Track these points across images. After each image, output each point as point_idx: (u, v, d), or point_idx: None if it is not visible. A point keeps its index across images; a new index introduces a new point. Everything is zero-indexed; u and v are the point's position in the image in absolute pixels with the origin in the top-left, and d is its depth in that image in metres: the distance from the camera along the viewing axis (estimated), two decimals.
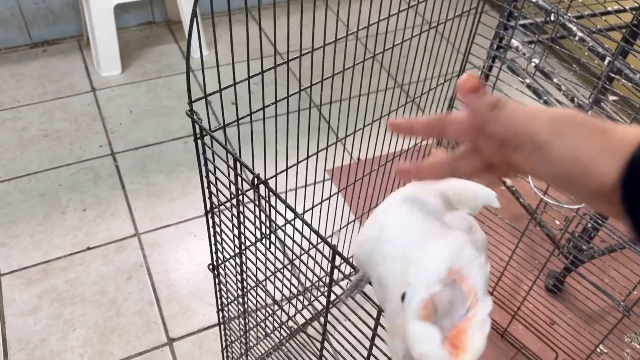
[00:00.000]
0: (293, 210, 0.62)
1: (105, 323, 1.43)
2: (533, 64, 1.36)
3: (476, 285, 0.42)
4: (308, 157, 1.01)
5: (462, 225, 0.51)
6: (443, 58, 1.12)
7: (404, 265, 0.46)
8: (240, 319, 1.08)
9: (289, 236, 0.73)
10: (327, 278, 0.62)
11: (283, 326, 1.34)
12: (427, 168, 0.46)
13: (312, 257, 0.80)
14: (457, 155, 0.45)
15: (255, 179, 0.64)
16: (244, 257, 0.87)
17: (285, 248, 1.21)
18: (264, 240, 0.74)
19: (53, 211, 1.67)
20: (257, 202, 0.68)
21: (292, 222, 0.65)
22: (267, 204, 0.66)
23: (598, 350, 1.45)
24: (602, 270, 1.37)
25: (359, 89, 1.10)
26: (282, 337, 1.33)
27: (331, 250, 0.57)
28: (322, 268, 0.86)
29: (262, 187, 0.65)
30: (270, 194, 0.65)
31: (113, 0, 2.01)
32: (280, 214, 0.65)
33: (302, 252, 0.81)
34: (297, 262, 0.99)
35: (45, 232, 1.62)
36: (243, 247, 0.85)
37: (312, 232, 0.59)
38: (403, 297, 0.43)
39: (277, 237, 0.78)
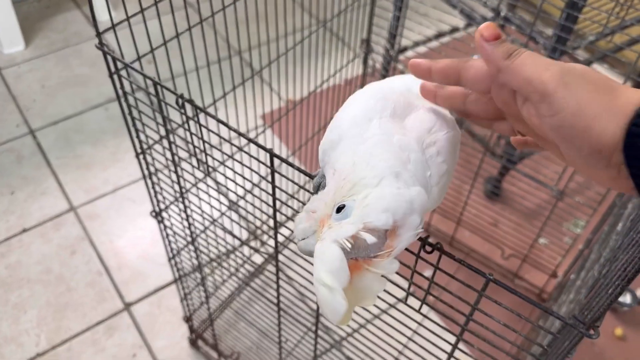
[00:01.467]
0: (226, 125, 0.61)
1: (57, 300, 1.39)
2: None
3: (399, 247, 0.42)
4: (234, 87, 0.99)
5: (421, 128, 0.49)
6: None
7: (352, 171, 0.45)
8: (194, 262, 1.07)
9: (228, 167, 0.72)
10: (272, 215, 0.62)
11: (240, 269, 1.34)
12: (440, 69, 0.47)
13: (254, 197, 0.79)
14: (466, 65, 0.46)
15: (179, 99, 0.62)
16: (186, 198, 0.86)
17: (228, 181, 1.19)
18: (201, 168, 0.73)
19: None
20: (186, 127, 0.66)
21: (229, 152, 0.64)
22: (198, 125, 0.65)
23: (540, 242, 1.53)
24: (535, 170, 1.44)
25: (282, 30, 1.08)
26: (240, 282, 1.34)
27: (269, 156, 0.57)
28: (267, 204, 0.86)
29: (188, 108, 0.63)
30: (199, 113, 0.63)
31: None
32: (214, 133, 0.64)
33: (244, 189, 0.80)
34: (241, 201, 0.98)
35: None
36: (183, 183, 0.83)
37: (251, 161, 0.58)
38: (339, 209, 0.43)
39: (215, 170, 0.77)
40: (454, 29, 1.79)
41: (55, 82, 1.93)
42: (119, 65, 0.69)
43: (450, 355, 0.62)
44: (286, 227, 1.45)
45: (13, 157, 1.70)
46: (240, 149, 0.61)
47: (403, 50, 1.73)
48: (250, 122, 1.66)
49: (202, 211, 0.87)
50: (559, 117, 0.38)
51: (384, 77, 1.81)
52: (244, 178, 0.65)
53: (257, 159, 0.60)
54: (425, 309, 0.59)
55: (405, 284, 0.61)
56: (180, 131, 1.49)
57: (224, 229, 0.88)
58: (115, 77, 0.70)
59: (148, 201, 1.59)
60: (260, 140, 1.37)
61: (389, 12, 1.68)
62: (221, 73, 0.98)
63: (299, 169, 0.57)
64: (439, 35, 1.78)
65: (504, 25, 1.33)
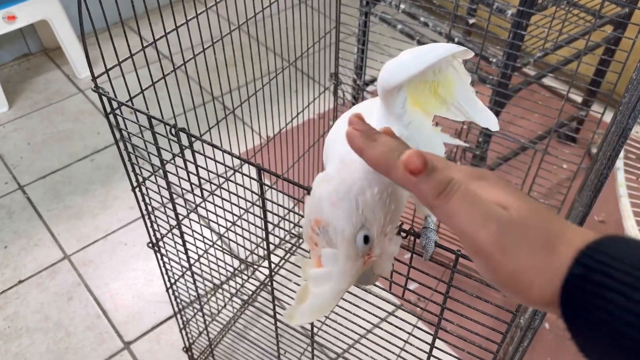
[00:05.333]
0: (220, 148, 0.69)
1: (57, 346, 1.42)
2: (401, 10, 1.50)
3: (339, 234, 0.45)
4: (210, 128, 1.07)
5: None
6: (318, 26, 1.22)
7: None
8: (191, 292, 1.13)
9: (224, 189, 0.79)
10: (265, 239, 0.70)
11: (239, 291, 1.39)
12: (370, 158, 0.39)
13: (248, 217, 0.87)
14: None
15: (173, 128, 0.70)
16: (183, 224, 0.93)
17: (224, 204, 1.25)
18: (197, 192, 0.80)
19: None
20: (182, 155, 0.74)
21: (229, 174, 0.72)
22: (192, 151, 0.72)
23: None
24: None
25: (255, 73, 1.17)
26: (240, 303, 1.39)
27: (257, 171, 0.65)
28: (258, 227, 0.93)
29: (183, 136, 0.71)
30: (194, 141, 0.71)
31: None
32: (209, 157, 0.71)
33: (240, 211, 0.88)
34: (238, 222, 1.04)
35: None
36: (180, 210, 0.90)
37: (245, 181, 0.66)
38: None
39: (211, 193, 0.84)
40: None
41: (40, 138, 2.00)
42: (114, 105, 0.77)
43: (431, 348, 0.69)
44: (281, 248, 1.52)
45: (4, 213, 1.75)
46: (236, 169, 0.69)
47: (371, 82, 1.84)
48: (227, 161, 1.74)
49: (203, 236, 0.94)
50: (495, 276, 0.35)
51: (354, 105, 1.91)
52: (240, 197, 0.73)
53: (253, 178, 0.68)
54: (414, 320, 0.67)
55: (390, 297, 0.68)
56: (171, 165, 1.57)
57: (223, 251, 0.95)
58: (111, 116, 0.78)
59: (139, 244, 1.65)
60: (239, 177, 1.45)
61: (354, 46, 1.79)
62: (196, 117, 1.05)
63: (291, 182, 0.65)
64: None
65: None
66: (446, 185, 0.35)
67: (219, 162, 0.69)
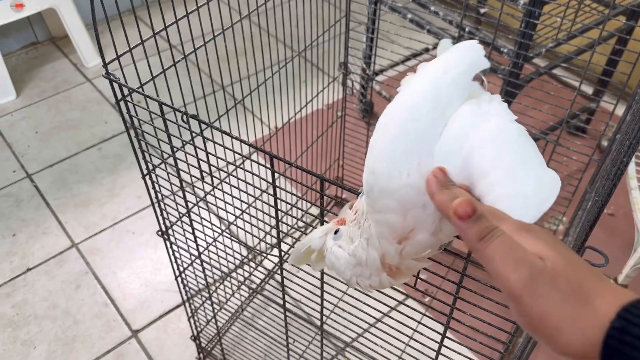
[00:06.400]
0: (231, 135, 0.68)
1: (65, 333, 1.43)
2: None
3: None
4: (220, 116, 1.06)
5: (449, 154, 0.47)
6: (329, 16, 1.21)
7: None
8: (200, 280, 1.13)
9: (235, 176, 0.79)
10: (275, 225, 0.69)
11: (249, 278, 1.39)
12: (437, 201, 0.44)
13: (262, 202, 0.86)
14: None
15: (184, 115, 0.69)
16: (193, 212, 0.92)
17: (233, 192, 1.23)
18: (207, 179, 0.80)
19: None
20: (192, 142, 0.74)
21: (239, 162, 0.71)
22: (202, 138, 0.72)
23: None
24: None
25: (262, 63, 1.16)
26: (249, 291, 1.39)
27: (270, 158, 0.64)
28: (267, 214, 0.93)
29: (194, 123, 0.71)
30: (204, 129, 0.71)
31: None
32: (219, 144, 0.71)
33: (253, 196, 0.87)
34: (247, 210, 1.04)
35: None
36: (190, 197, 0.90)
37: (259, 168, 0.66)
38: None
39: (222, 181, 0.84)
40: (425, 49, 1.90)
41: (47, 127, 2.00)
42: (125, 91, 0.76)
43: (441, 343, 0.69)
44: (290, 235, 1.52)
45: (12, 202, 1.75)
46: (247, 157, 0.68)
47: (380, 71, 1.83)
48: (237, 149, 1.74)
49: (212, 224, 0.94)
50: (523, 319, 0.37)
51: (363, 96, 1.90)
52: (253, 186, 0.72)
53: (263, 165, 0.67)
54: (422, 309, 0.66)
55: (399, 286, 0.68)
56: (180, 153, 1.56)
57: (232, 239, 0.94)
58: (122, 103, 0.77)
59: (147, 232, 1.65)
60: (248, 165, 1.44)
61: (362, 35, 1.78)
62: (206, 106, 1.05)
63: (303, 169, 0.64)
64: (413, 55, 1.89)
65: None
66: (489, 231, 0.38)
67: (230, 150, 0.68)
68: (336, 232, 0.56)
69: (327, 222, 0.61)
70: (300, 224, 1.56)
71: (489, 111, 0.48)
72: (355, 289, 0.58)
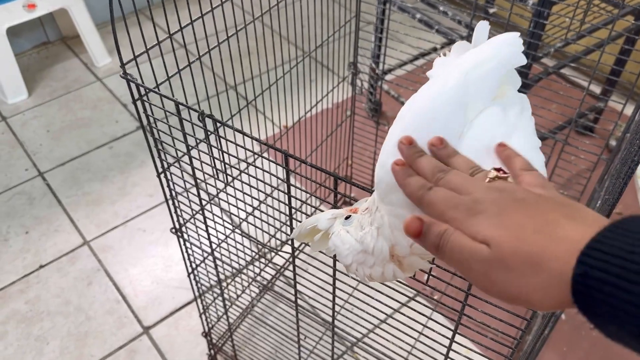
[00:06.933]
0: (244, 133, 0.70)
1: (78, 329, 1.45)
2: None
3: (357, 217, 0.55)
4: (232, 116, 1.08)
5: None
6: (339, 16, 1.22)
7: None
8: (211, 277, 1.14)
9: (248, 174, 0.80)
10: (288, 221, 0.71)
11: (255, 281, 1.41)
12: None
13: (273, 199, 0.88)
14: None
15: (201, 115, 0.71)
16: (206, 209, 0.94)
17: (245, 188, 1.26)
18: (221, 177, 0.82)
19: None
20: (207, 140, 0.75)
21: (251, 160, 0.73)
22: (217, 138, 0.73)
23: None
24: None
25: (273, 63, 1.17)
26: (260, 286, 1.41)
27: (284, 156, 0.66)
28: (279, 211, 0.94)
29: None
30: (219, 127, 0.72)
31: (3, 24, 1.98)
32: (232, 142, 0.72)
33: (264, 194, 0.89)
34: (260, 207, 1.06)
35: None
36: (203, 195, 0.91)
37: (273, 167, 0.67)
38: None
39: (235, 179, 0.85)
40: (434, 49, 1.91)
41: (59, 126, 2.03)
42: (142, 91, 0.78)
43: (452, 339, 0.70)
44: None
45: (24, 199, 1.77)
46: (259, 154, 0.70)
47: (389, 71, 1.84)
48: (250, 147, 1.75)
49: (224, 220, 0.95)
50: (503, 301, 0.39)
51: (371, 95, 1.91)
52: (265, 183, 0.74)
53: (275, 162, 0.68)
54: (432, 306, 0.67)
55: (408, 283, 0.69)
56: (194, 151, 1.58)
57: (243, 236, 0.96)
58: (139, 102, 0.79)
59: (158, 230, 1.67)
60: (258, 163, 1.47)
61: (371, 35, 1.79)
62: (219, 105, 1.06)
63: (317, 167, 0.66)
64: (421, 55, 1.90)
65: None
66: (439, 238, 0.40)
67: (244, 148, 0.70)
68: (347, 217, 0.56)
69: None
70: None
71: (517, 125, 0.47)
72: (353, 278, 0.58)
